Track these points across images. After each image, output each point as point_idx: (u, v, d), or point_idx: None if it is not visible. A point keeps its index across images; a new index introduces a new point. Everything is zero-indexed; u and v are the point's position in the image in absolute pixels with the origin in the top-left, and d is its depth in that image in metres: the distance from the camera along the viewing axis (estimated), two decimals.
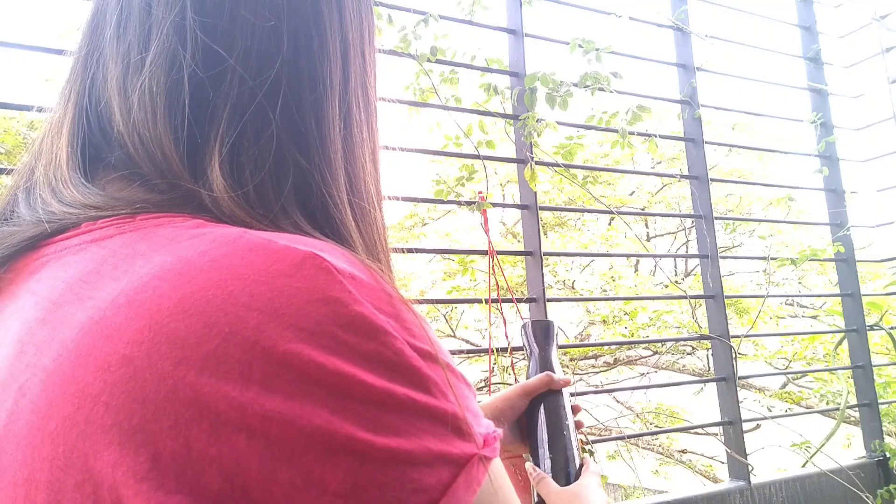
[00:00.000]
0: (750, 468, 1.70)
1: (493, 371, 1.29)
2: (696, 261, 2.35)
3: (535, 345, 0.88)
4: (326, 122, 0.37)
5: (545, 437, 0.79)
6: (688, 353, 4.25)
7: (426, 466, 0.25)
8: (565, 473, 0.75)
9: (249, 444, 0.23)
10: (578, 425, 0.84)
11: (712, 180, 1.92)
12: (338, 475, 0.23)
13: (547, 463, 0.77)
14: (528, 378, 0.85)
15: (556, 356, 0.88)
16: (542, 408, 0.81)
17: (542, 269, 1.53)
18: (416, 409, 0.26)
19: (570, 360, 4.19)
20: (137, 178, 0.34)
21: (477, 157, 1.60)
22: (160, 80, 0.34)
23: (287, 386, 0.24)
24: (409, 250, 1.94)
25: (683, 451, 4.07)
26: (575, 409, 0.85)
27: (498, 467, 0.29)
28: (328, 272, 0.27)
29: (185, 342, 0.25)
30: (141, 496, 0.23)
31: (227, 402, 0.24)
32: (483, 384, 3.52)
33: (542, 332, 0.89)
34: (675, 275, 4.72)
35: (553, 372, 0.85)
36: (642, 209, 4.58)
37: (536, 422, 0.81)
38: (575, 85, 1.61)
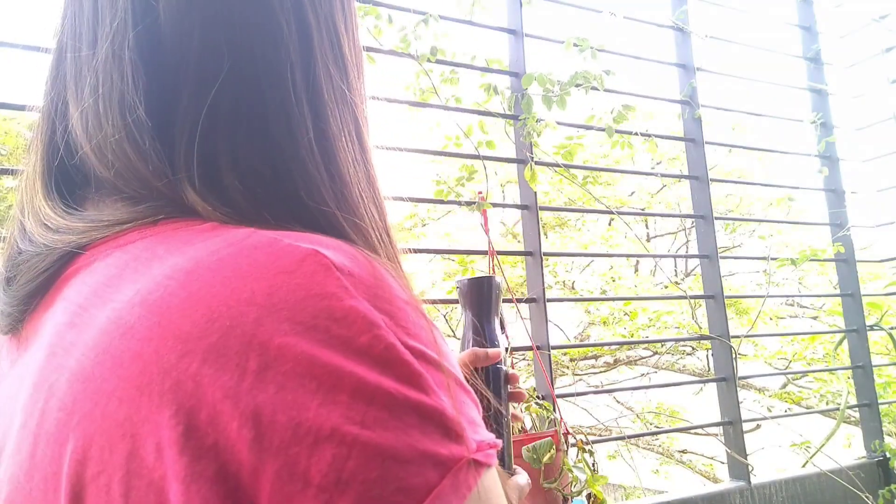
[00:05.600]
0: (750, 468, 1.70)
1: None
2: (696, 261, 2.34)
3: (465, 307, 0.74)
4: (292, 109, 0.35)
5: None
6: (688, 354, 4.24)
7: (412, 465, 0.24)
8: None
9: (240, 434, 0.24)
10: (517, 397, 0.74)
11: (712, 180, 1.92)
12: (322, 468, 0.23)
13: None
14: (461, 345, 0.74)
15: (496, 321, 0.74)
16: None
17: (542, 270, 1.53)
18: (405, 404, 0.25)
19: (571, 360, 4.19)
20: (133, 197, 0.34)
21: (477, 157, 1.60)
22: (111, 108, 0.33)
23: (280, 377, 0.24)
24: (409, 250, 1.94)
25: (683, 451, 4.06)
26: (512, 379, 0.74)
27: (492, 477, 0.28)
28: (326, 269, 0.27)
29: (189, 336, 0.26)
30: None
31: (224, 391, 0.24)
32: None
33: (476, 290, 0.73)
34: (675, 275, 4.72)
35: (485, 340, 0.72)
36: (642, 209, 4.57)
37: None
38: (577, 86, 1.61)
